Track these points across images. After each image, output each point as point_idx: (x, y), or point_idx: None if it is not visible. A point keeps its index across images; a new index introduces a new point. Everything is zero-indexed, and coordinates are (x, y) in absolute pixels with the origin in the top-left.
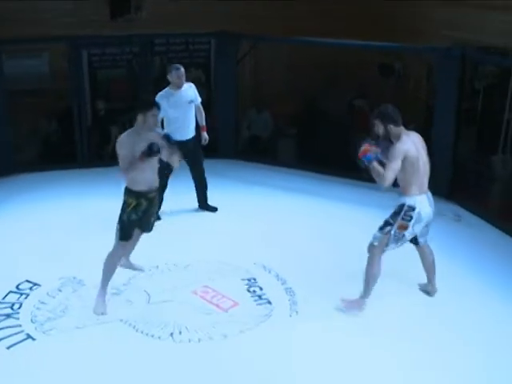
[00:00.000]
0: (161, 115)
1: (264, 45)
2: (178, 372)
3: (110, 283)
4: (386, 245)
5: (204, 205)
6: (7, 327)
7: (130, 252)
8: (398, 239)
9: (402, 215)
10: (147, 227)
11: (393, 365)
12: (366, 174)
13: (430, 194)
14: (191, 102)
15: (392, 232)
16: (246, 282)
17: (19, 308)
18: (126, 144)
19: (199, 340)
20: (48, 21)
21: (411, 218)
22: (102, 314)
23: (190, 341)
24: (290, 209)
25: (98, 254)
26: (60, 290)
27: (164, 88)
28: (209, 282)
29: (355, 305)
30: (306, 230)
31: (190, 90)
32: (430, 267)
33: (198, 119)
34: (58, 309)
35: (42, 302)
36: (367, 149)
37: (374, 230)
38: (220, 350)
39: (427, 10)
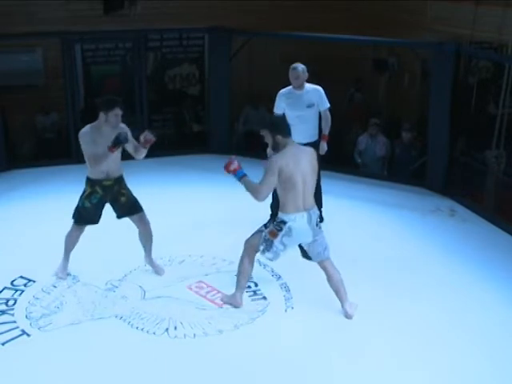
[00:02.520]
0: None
1: (259, 39)
2: (174, 368)
3: (105, 279)
4: (258, 245)
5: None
6: (2, 323)
7: (148, 250)
8: (268, 245)
9: (275, 223)
10: (96, 219)
11: (390, 361)
12: (362, 170)
13: (314, 212)
14: (311, 105)
15: (263, 234)
16: None
17: (14, 304)
18: (86, 138)
19: (194, 335)
20: (41, 15)
21: (281, 228)
22: (60, 278)
23: (185, 336)
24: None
25: (92, 250)
26: (55, 286)
27: (158, 84)
28: (204, 277)
29: (232, 300)
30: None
31: (312, 94)
32: (336, 287)
33: (323, 126)
34: (53, 305)
35: (37, 298)
36: (237, 166)
37: (371, 226)
38: (215, 346)
39: (421, 3)
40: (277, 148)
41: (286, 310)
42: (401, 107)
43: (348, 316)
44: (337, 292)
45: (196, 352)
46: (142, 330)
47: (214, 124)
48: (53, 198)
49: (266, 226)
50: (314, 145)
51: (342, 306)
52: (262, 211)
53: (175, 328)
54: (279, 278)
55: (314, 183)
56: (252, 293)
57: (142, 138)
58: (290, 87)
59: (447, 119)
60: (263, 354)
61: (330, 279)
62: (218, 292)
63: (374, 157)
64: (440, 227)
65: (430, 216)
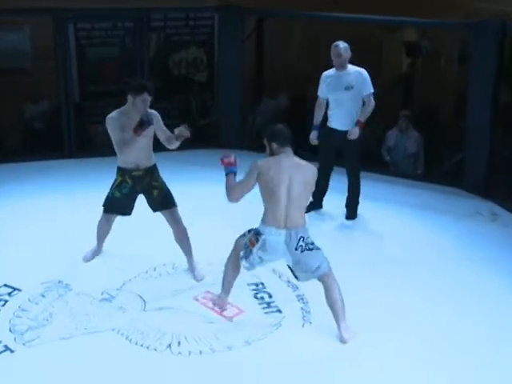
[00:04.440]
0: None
1: (275, 20)
2: None
3: (101, 288)
4: (241, 249)
5: (350, 214)
6: None
7: (185, 252)
8: (247, 252)
9: (253, 232)
10: (127, 210)
11: (414, 379)
12: (392, 168)
13: (296, 234)
14: (349, 88)
15: (245, 240)
16: (253, 287)
17: None
18: (112, 124)
19: (200, 352)
20: None
21: (257, 240)
22: (87, 261)
23: (190, 353)
24: None
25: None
26: (43, 296)
27: (161, 70)
28: (211, 286)
29: (219, 301)
30: (322, 228)
31: (353, 76)
32: (332, 304)
33: (361, 111)
34: (41, 317)
35: (23, 309)
36: (233, 162)
37: (398, 230)
38: (224, 364)
39: None
40: (272, 156)
41: (303, 325)
42: (434, 97)
43: (342, 340)
44: (332, 309)
45: (202, 371)
46: (142, 345)
47: (224, 115)
48: (43, 197)
49: (249, 231)
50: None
51: (338, 327)
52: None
53: (179, 344)
54: (296, 288)
55: (303, 202)
56: (265, 305)
57: (176, 131)
58: (334, 68)
59: (489, 109)
60: (277, 374)
61: (326, 294)
62: (228, 303)
63: (405, 154)
64: (478, 233)
65: (467, 220)
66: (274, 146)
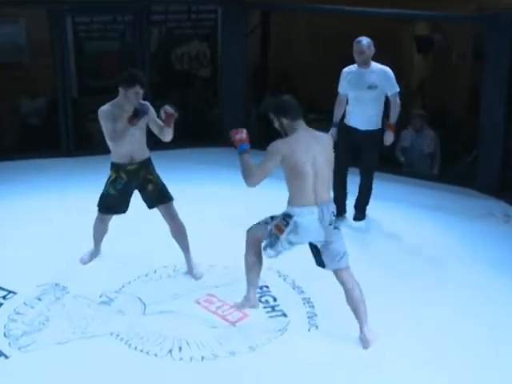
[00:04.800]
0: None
1: (280, 14)
2: None
3: (100, 290)
4: (263, 238)
5: (358, 215)
6: None
7: (183, 249)
8: (273, 240)
9: (281, 217)
10: (123, 208)
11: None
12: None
13: (328, 209)
14: (373, 87)
15: (269, 227)
16: (258, 290)
17: None
18: (105, 115)
19: (202, 358)
20: None
21: (288, 223)
22: (85, 263)
23: (191, 359)
24: None
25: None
26: (39, 299)
27: (163, 65)
28: (214, 289)
29: (245, 302)
30: None
31: (377, 74)
32: (355, 305)
33: (390, 113)
34: (37, 321)
35: (18, 313)
36: (245, 138)
37: (409, 231)
38: (226, 370)
39: None
40: (285, 133)
41: (309, 330)
42: (447, 93)
43: (366, 344)
44: (355, 311)
45: (204, 377)
46: (142, 350)
47: (228, 112)
48: (38, 197)
49: (272, 218)
50: (374, 134)
51: (360, 330)
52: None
53: (180, 349)
54: (302, 291)
55: (329, 176)
56: (270, 309)
57: (161, 113)
58: (356, 64)
59: (503, 107)
60: (282, 381)
61: (347, 295)
62: (231, 307)
63: (421, 154)
64: (491, 234)
65: (479, 221)
66: (285, 121)
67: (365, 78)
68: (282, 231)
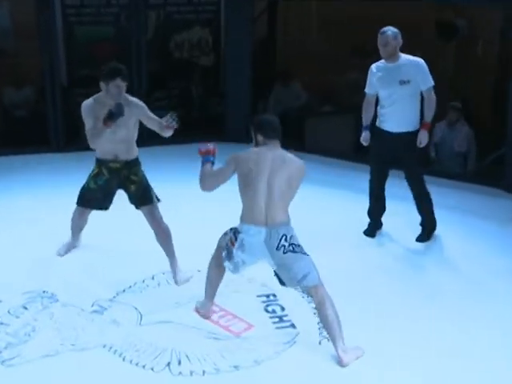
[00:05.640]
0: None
1: None
2: None
3: (92, 298)
4: (223, 249)
5: (421, 235)
6: None
7: (167, 252)
8: (229, 252)
9: (233, 231)
10: (104, 204)
11: None
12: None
13: (277, 233)
14: (405, 82)
15: (227, 239)
16: (264, 298)
17: None
18: (86, 111)
19: (204, 372)
20: None
21: (236, 238)
22: (61, 255)
23: (192, 373)
24: (322, 206)
25: (76, 260)
26: (25, 308)
27: (161, 52)
28: (216, 298)
29: (202, 309)
30: (341, 232)
31: (408, 68)
32: (325, 324)
33: (424, 110)
34: (23, 331)
35: (2, 323)
36: (211, 151)
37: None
38: None
39: None
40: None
41: (319, 342)
42: (471, 84)
43: (342, 364)
44: (326, 329)
45: None
46: (137, 364)
47: (232, 104)
48: (26, 196)
49: (231, 229)
50: (413, 136)
51: (336, 350)
52: (293, 214)
53: (179, 363)
54: (312, 300)
55: (287, 198)
56: (277, 319)
57: (164, 121)
58: (383, 59)
59: None
60: None
61: (317, 309)
62: (235, 317)
63: (452, 152)
64: None
65: (510, 226)
66: (260, 137)
67: (395, 73)
68: (233, 244)
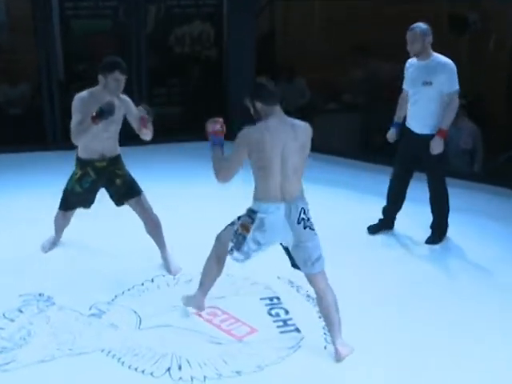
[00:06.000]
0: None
1: None
2: None
3: (89, 301)
4: (230, 241)
5: (431, 237)
6: None
7: (158, 243)
8: (239, 241)
9: (246, 214)
10: (87, 204)
11: None
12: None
13: (296, 207)
14: (427, 83)
15: (235, 227)
16: (267, 301)
17: None
18: (78, 104)
19: (205, 378)
20: None
21: (253, 220)
22: (45, 251)
23: (192, 379)
24: (328, 206)
25: (73, 261)
26: (21, 311)
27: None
28: (218, 301)
29: (193, 301)
30: (347, 232)
31: (435, 68)
32: (326, 312)
33: (443, 114)
34: (18, 336)
35: None
36: (219, 129)
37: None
38: None
39: None
40: (259, 119)
41: (325, 347)
42: (484, 80)
43: (338, 358)
44: (327, 320)
45: None
46: (137, 369)
47: (234, 101)
48: (22, 195)
49: (239, 218)
50: (430, 139)
51: (333, 342)
52: None
53: (179, 368)
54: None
55: (300, 169)
56: (281, 323)
57: (138, 110)
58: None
59: None
60: None
61: (318, 302)
62: (237, 321)
63: (457, 150)
64: None
65: None
66: (259, 105)
67: (421, 72)
68: (248, 230)
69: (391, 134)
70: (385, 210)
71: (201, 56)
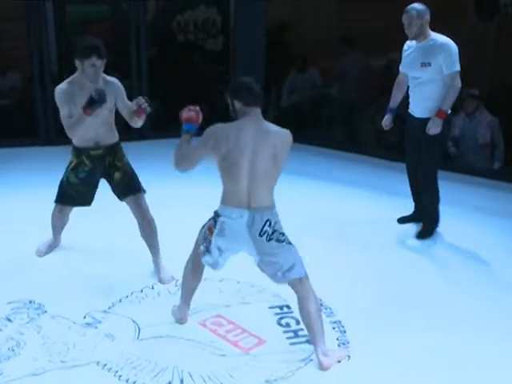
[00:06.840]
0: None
1: None
2: None
3: (84, 310)
4: (202, 244)
5: (418, 232)
6: None
7: (151, 247)
8: (207, 244)
9: (212, 216)
10: (87, 199)
11: None
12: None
13: (261, 217)
14: (426, 65)
15: (203, 230)
16: (277, 310)
17: None
18: (60, 96)
19: None
20: None
21: (215, 223)
22: (41, 256)
23: None
24: (342, 206)
25: (66, 266)
26: (9, 320)
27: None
28: (224, 309)
29: (175, 312)
30: (362, 236)
31: (433, 49)
32: (307, 322)
33: (444, 96)
34: (6, 347)
35: None
36: (193, 117)
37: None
38: None
39: None
40: (235, 118)
41: (338, 361)
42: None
43: (322, 367)
44: (308, 327)
45: None
46: (135, 383)
47: None
48: (12, 193)
49: (209, 219)
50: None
51: (315, 352)
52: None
53: (181, 382)
54: (331, 313)
55: (272, 178)
56: (291, 334)
57: (134, 103)
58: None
59: None
60: None
61: (299, 307)
62: (244, 331)
63: (475, 144)
64: None
65: None
66: (238, 104)
67: (419, 54)
68: (211, 231)
69: (386, 121)
70: (414, 201)
71: (206, 45)
